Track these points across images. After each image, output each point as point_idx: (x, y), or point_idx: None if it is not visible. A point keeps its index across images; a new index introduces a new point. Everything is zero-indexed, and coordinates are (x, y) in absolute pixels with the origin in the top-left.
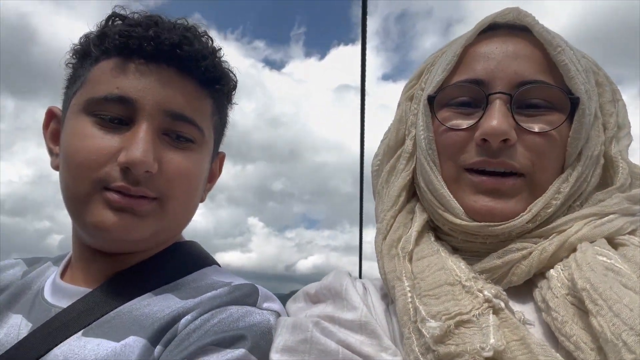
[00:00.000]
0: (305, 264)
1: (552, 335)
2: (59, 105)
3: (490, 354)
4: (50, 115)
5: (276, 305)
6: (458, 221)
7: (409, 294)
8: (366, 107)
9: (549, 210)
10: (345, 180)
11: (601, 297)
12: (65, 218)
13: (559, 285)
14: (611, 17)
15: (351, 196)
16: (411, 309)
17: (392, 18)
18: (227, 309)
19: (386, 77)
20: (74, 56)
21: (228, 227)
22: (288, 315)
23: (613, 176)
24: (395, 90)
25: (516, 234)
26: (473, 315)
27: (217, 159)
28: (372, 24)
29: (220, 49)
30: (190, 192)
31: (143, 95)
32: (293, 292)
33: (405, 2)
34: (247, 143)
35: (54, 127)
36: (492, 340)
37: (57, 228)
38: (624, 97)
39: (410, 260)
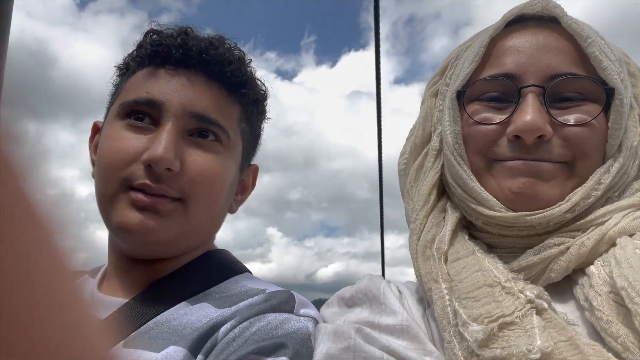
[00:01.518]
0: (325, 273)
1: (597, 335)
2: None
3: (537, 356)
4: (95, 129)
5: (313, 311)
6: (492, 213)
7: (447, 297)
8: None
9: (589, 201)
10: (362, 186)
11: (638, 295)
12: (88, 237)
13: (600, 282)
14: (616, 14)
15: (368, 202)
16: (450, 312)
17: (400, 22)
18: (265, 317)
19: (398, 81)
20: (116, 73)
21: (247, 238)
22: (324, 321)
23: None
24: (407, 94)
25: (554, 225)
26: (516, 317)
27: (249, 171)
28: (382, 29)
29: (250, 59)
30: (214, 194)
31: (169, 97)
32: (315, 302)
33: (412, 6)
34: (261, 154)
35: (97, 139)
36: (538, 342)
37: (81, 247)
38: None
39: (446, 261)
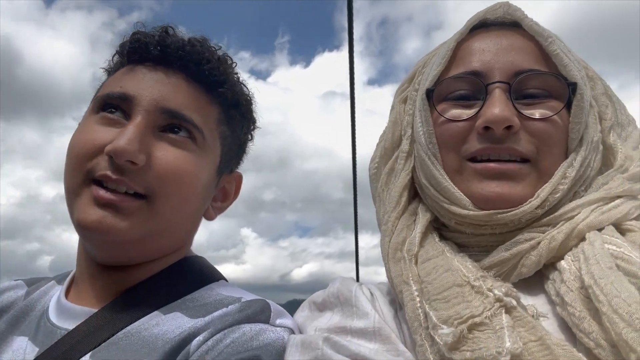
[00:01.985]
0: (300, 273)
1: (567, 329)
2: (48, 125)
3: (507, 358)
4: None
5: (289, 321)
6: (465, 212)
7: (418, 299)
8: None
9: (557, 196)
10: (336, 187)
11: (602, 293)
12: (55, 238)
13: (572, 278)
14: (587, 15)
15: (343, 202)
16: (421, 315)
17: (374, 24)
18: (240, 328)
19: (372, 82)
20: (104, 74)
21: (221, 239)
22: (298, 328)
23: (613, 162)
24: (381, 95)
25: (525, 222)
26: (485, 317)
27: (232, 179)
28: (355, 30)
29: (234, 63)
30: (184, 193)
31: (142, 92)
32: (290, 302)
33: (385, 8)
34: None
35: None
36: (507, 344)
37: (48, 249)
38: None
39: (417, 262)
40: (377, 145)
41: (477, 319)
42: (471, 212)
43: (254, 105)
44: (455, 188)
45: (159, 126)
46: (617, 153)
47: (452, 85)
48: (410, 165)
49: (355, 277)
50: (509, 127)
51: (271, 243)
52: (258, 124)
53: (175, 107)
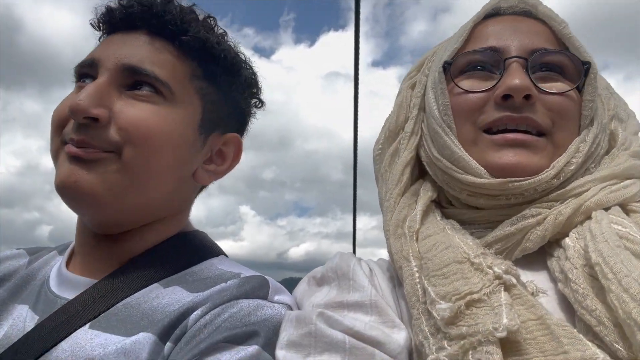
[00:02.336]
0: (297, 252)
1: (567, 307)
2: (48, 96)
3: (503, 334)
4: None
5: (287, 298)
6: (480, 180)
7: (417, 274)
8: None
9: (572, 168)
10: (336, 167)
11: (611, 271)
12: (54, 209)
13: (576, 255)
14: (593, 6)
15: (342, 183)
16: (419, 290)
17: (380, 4)
18: (238, 303)
19: (376, 64)
20: None
21: (220, 216)
22: (296, 303)
23: (614, 146)
24: (385, 77)
25: (540, 192)
26: (484, 294)
27: (228, 141)
28: (361, 11)
29: (211, 18)
30: (153, 145)
31: (106, 54)
32: (286, 280)
33: None
34: None
35: None
36: (505, 320)
37: (47, 219)
38: (610, 82)
39: (417, 239)
40: (382, 128)
41: (475, 296)
42: (486, 181)
43: (244, 64)
44: (470, 157)
45: (124, 85)
46: (617, 136)
47: (470, 58)
48: (413, 144)
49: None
50: (527, 97)
51: (269, 221)
52: (261, 90)
53: (136, 63)
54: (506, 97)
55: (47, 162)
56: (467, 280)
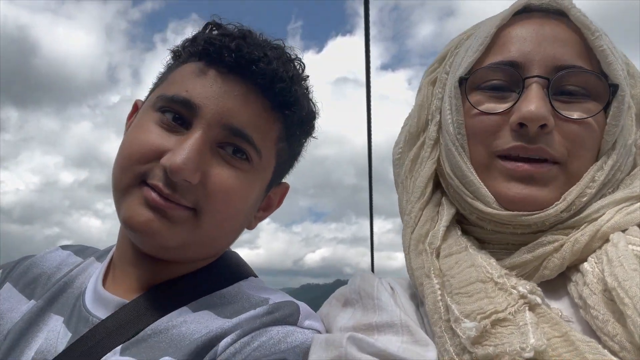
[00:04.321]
0: (313, 258)
1: (593, 333)
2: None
3: (531, 354)
4: (135, 108)
5: (318, 323)
6: (489, 210)
7: (439, 292)
8: (370, 98)
9: (584, 199)
10: (348, 172)
11: (627, 295)
12: (73, 224)
13: (595, 281)
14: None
15: (355, 188)
16: (442, 307)
17: (387, 8)
18: (268, 331)
19: (385, 67)
20: (170, 57)
21: None
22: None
23: (638, 162)
24: (394, 80)
25: (549, 224)
26: (509, 313)
27: (278, 190)
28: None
29: (307, 78)
30: (230, 211)
31: (207, 103)
32: (303, 287)
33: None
34: None
35: (133, 119)
36: (532, 340)
37: (67, 234)
38: None
39: (438, 256)
40: (402, 128)
41: (500, 315)
42: (494, 211)
43: (316, 120)
44: (481, 183)
45: (219, 141)
46: None
47: (488, 75)
48: (436, 154)
49: (367, 262)
50: (542, 126)
51: (285, 228)
52: (315, 133)
53: (237, 125)
54: (521, 124)
55: (65, 178)
56: (491, 299)
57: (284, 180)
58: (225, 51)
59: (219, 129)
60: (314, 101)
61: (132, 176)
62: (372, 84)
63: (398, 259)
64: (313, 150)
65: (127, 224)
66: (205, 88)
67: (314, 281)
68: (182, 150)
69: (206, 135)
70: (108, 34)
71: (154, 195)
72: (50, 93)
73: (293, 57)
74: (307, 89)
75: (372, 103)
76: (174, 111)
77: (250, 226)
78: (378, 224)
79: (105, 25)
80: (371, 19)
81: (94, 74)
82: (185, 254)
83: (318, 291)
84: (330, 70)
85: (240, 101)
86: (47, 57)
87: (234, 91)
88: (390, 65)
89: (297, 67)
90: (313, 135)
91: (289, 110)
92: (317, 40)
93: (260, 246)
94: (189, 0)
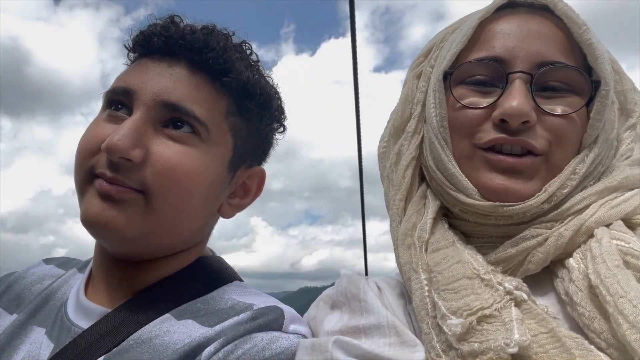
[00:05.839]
0: (310, 260)
1: (580, 329)
2: (59, 121)
3: (515, 350)
4: None
5: (304, 328)
6: (470, 201)
7: (426, 287)
8: (359, 99)
9: (565, 191)
10: (343, 175)
11: (609, 293)
12: (68, 232)
13: (580, 277)
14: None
15: (350, 190)
16: (429, 304)
17: (378, 12)
18: (252, 338)
19: (378, 69)
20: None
21: (231, 228)
22: (310, 329)
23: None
24: (387, 82)
25: (531, 215)
26: (495, 310)
27: (252, 174)
28: (359, 17)
29: (247, 49)
30: (184, 190)
31: (142, 86)
32: (301, 290)
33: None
34: None
35: None
36: (516, 336)
37: (62, 242)
38: None
39: (426, 250)
40: (387, 123)
41: (486, 311)
42: (476, 202)
43: (275, 94)
44: (463, 176)
45: (161, 121)
46: (621, 143)
47: (471, 70)
48: (415, 145)
49: (363, 264)
50: (525, 122)
51: (281, 232)
52: (285, 117)
53: (176, 100)
54: (504, 119)
55: (59, 187)
56: (477, 295)
57: (261, 167)
58: (154, 37)
59: (158, 108)
60: (265, 74)
61: (84, 172)
62: (365, 86)
63: (393, 260)
64: (307, 152)
65: (84, 221)
66: (140, 74)
67: (312, 284)
68: (119, 129)
69: (146, 115)
70: (101, 42)
71: (100, 181)
72: (44, 102)
73: (228, 32)
74: (251, 60)
75: (365, 104)
76: (117, 102)
77: (226, 213)
78: (373, 225)
79: (97, 33)
80: (363, 22)
81: (87, 82)
82: (148, 246)
83: (316, 294)
84: (324, 73)
85: (176, 78)
86: (39, 66)
87: (168, 71)
88: (383, 67)
89: (228, 39)
90: (283, 116)
91: (227, 77)
92: (310, 43)
93: (257, 250)
94: (183, 8)
